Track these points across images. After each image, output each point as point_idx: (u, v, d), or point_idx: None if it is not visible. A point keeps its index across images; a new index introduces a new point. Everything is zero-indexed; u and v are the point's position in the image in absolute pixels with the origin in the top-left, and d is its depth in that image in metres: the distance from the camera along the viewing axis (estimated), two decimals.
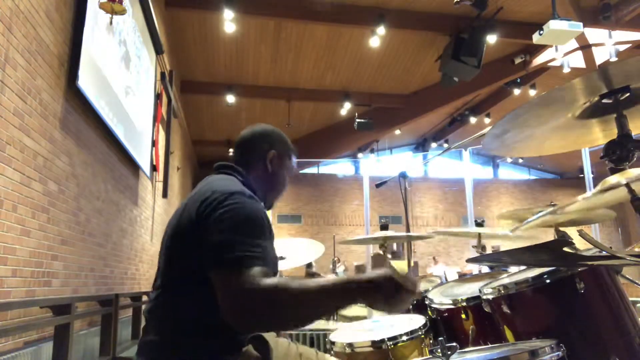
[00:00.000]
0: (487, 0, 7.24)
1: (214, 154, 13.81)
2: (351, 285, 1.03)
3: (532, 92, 11.21)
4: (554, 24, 5.94)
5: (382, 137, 14.15)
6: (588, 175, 4.37)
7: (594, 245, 1.02)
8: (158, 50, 6.51)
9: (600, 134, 1.29)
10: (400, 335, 1.63)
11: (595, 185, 1.01)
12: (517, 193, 18.63)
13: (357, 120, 10.98)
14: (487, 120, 12.85)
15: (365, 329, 1.88)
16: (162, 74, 7.16)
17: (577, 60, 9.87)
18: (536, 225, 1.34)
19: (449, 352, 1.07)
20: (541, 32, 6.05)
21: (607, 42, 9.18)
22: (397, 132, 13.35)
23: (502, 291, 1.39)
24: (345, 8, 8.08)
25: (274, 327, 1.17)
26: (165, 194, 7.69)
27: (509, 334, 1.41)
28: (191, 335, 1.12)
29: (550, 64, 10.11)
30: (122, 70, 4.73)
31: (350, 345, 1.65)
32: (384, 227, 2.63)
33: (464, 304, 1.64)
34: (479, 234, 2.39)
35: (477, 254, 2.22)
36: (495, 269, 2.16)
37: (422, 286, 2.23)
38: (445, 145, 14.71)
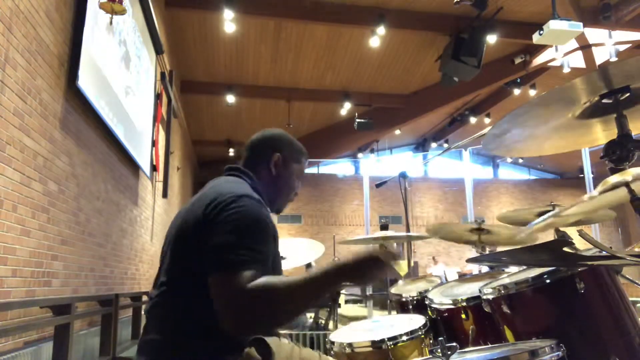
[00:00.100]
0: (487, 0, 7.24)
1: (214, 154, 13.83)
2: (335, 271, 1.06)
3: (532, 92, 11.21)
4: (554, 24, 5.94)
5: (382, 137, 14.15)
6: (588, 175, 4.37)
7: (594, 245, 1.02)
8: (158, 50, 6.51)
9: (600, 134, 1.29)
10: (400, 335, 1.63)
11: (595, 186, 1.01)
12: (517, 193, 18.64)
13: (357, 120, 10.97)
14: (487, 120, 12.86)
15: (365, 329, 1.88)
16: (162, 74, 7.16)
17: (577, 60, 9.86)
18: (540, 230, 1.34)
19: (449, 352, 1.07)
20: (541, 32, 6.05)
21: (607, 42, 9.18)
22: (397, 132, 13.35)
23: (502, 291, 1.39)
24: (345, 8, 8.08)
25: (267, 326, 1.16)
26: (165, 194, 7.69)
27: (509, 334, 1.41)
28: (192, 335, 1.12)
29: (550, 64, 10.11)
30: (122, 70, 4.73)
31: (350, 345, 1.64)
32: (383, 227, 2.63)
33: (464, 304, 1.64)
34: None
35: (477, 254, 2.22)
36: (495, 269, 2.16)
37: (422, 286, 2.23)
38: (445, 145, 14.71)
